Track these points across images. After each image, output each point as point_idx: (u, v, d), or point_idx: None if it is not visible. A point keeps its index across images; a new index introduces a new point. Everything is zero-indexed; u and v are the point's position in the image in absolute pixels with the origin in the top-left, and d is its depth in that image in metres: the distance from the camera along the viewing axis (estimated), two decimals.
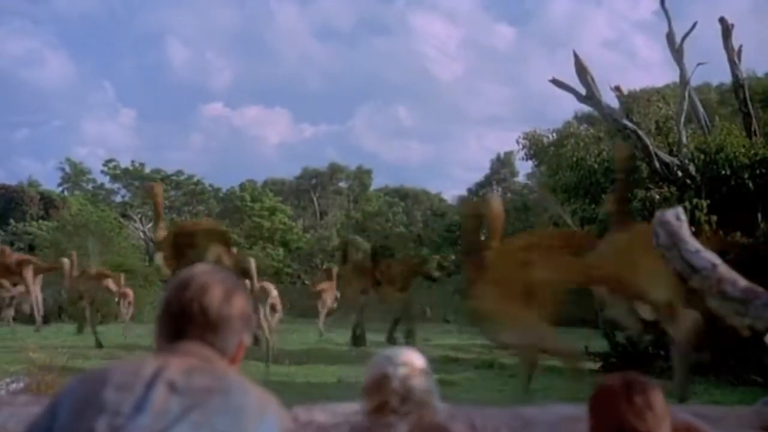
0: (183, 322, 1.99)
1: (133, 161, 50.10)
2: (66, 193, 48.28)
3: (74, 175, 50.34)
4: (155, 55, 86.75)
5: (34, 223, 39.12)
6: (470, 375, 12.61)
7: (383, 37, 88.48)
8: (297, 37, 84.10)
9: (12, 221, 40.35)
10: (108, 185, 50.50)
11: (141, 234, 43.10)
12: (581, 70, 14.18)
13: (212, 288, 2.02)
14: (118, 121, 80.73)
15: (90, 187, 50.62)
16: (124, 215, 43.06)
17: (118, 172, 49.54)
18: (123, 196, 49.95)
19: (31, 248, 32.42)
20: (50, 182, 50.18)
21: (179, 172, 49.94)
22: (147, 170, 49.21)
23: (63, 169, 50.44)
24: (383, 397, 2.71)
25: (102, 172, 50.09)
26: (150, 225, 41.13)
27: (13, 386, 8.90)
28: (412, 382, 2.71)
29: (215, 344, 1.99)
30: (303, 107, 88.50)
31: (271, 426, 1.89)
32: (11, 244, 37.37)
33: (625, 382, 2.41)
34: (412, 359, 2.79)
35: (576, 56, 14.08)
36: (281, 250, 41.19)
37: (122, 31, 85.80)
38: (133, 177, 48.98)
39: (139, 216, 43.67)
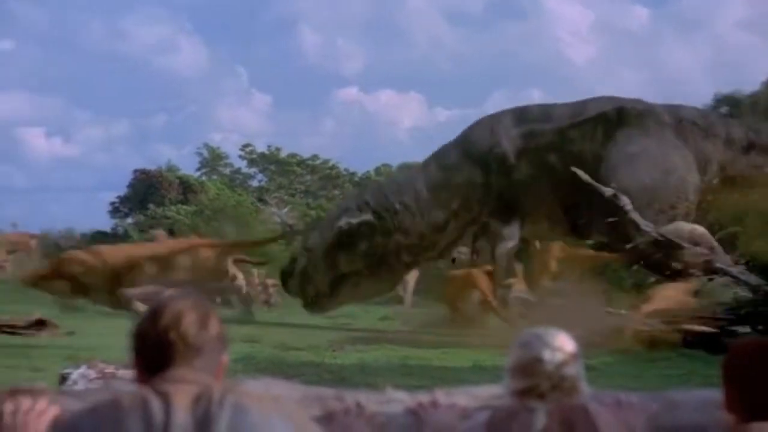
0: (165, 350, 2.01)
1: (269, 146, 50.85)
2: (204, 177, 48.70)
3: (211, 160, 51.03)
4: (288, 41, 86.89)
5: (173, 207, 39.22)
6: (607, 359, 12.18)
7: (515, 20, 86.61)
8: (428, 20, 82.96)
9: (151, 206, 40.49)
10: (245, 170, 51.31)
11: (277, 218, 42.56)
12: None
13: (186, 314, 2.04)
14: (252, 107, 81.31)
15: (227, 171, 51.30)
16: (260, 199, 43.05)
17: (254, 156, 50.38)
18: (259, 181, 50.71)
19: (170, 232, 32.15)
20: (188, 167, 50.37)
21: (315, 157, 50.21)
22: (283, 155, 49.86)
23: (200, 154, 51.24)
24: (533, 380, 2.54)
25: (239, 156, 51.00)
26: (287, 209, 40.86)
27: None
28: (565, 367, 2.55)
29: (203, 367, 2.02)
30: (436, 91, 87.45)
31: (280, 429, 1.95)
32: (151, 228, 36.95)
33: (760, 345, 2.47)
34: (566, 343, 2.61)
35: None
36: None
37: (255, 17, 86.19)
38: (269, 161, 49.91)
39: (276, 200, 43.19)
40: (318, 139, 79.99)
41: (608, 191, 15.43)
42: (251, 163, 50.48)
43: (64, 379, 8.13)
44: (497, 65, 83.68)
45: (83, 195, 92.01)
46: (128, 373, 5.79)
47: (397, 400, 2.67)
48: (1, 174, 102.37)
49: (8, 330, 12.93)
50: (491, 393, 2.91)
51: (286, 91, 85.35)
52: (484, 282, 16.30)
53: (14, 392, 2.34)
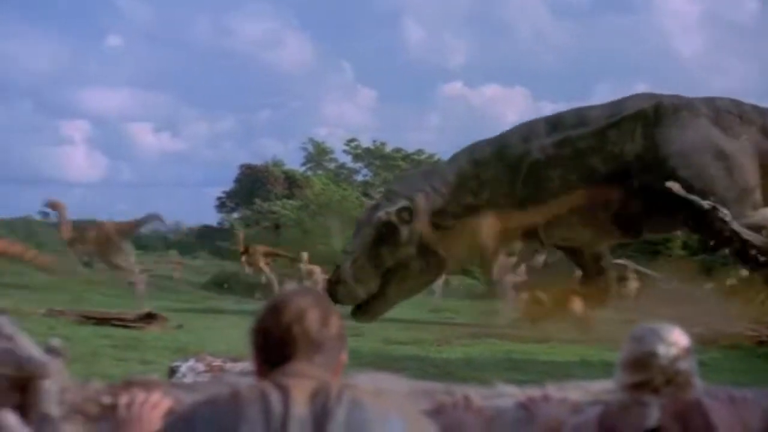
0: (287, 346, 2.06)
1: (374, 141, 50.56)
2: (309, 172, 48.79)
3: (316, 155, 50.93)
4: (392, 36, 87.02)
5: (279, 202, 39.53)
6: (716, 355, 12.10)
7: (621, 13, 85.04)
8: (533, 13, 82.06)
9: (257, 201, 40.67)
10: (349, 164, 51.42)
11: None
12: None
13: (309, 311, 2.09)
14: (357, 102, 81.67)
15: (332, 166, 51.23)
16: (365, 194, 42.84)
17: (359, 151, 50.16)
18: (364, 176, 50.51)
19: (276, 227, 32.48)
20: (293, 162, 50.67)
21: (420, 151, 49.81)
22: (388, 149, 49.65)
23: (305, 149, 51.11)
24: (647, 374, 2.54)
25: (344, 151, 50.72)
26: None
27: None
28: (679, 362, 2.57)
29: (323, 364, 2.05)
30: (541, 85, 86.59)
31: (398, 430, 1.94)
32: (257, 222, 37.44)
33: None
34: (680, 338, 2.62)
35: None
36: None
37: (360, 12, 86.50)
38: (374, 156, 49.70)
39: (381, 195, 43.04)
40: (423, 134, 79.88)
41: (706, 204, 14.92)
42: (356, 158, 50.40)
43: (173, 372, 8.21)
44: (603, 58, 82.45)
45: (190, 190, 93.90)
46: (236, 366, 5.85)
47: (507, 395, 2.64)
48: (110, 169, 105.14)
49: (118, 323, 13.15)
50: (603, 387, 2.89)
51: (391, 86, 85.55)
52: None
53: (128, 384, 2.35)
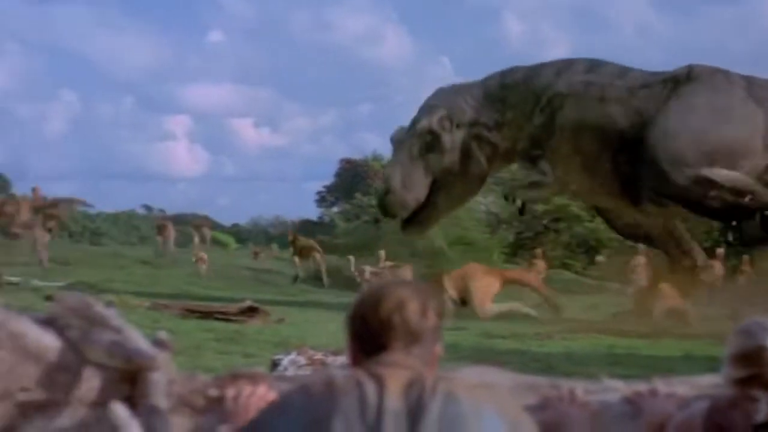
0: (385, 335, 2.03)
1: None
2: None
3: None
4: (492, 29, 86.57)
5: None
6: None
7: (726, 5, 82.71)
8: (634, 6, 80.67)
9: (357, 195, 40.82)
10: None
11: (482, 207, 42.55)
12: None
13: (410, 301, 2.06)
14: None
15: None
16: None
17: None
18: None
19: (375, 221, 32.54)
20: None
21: None
22: None
23: None
24: (757, 369, 2.47)
25: None
26: (492, 198, 40.59)
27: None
28: None
29: (419, 355, 2.04)
30: None
31: (493, 428, 1.90)
32: (357, 217, 37.61)
33: None
34: None
35: None
36: None
37: (459, 6, 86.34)
38: None
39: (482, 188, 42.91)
40: None
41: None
42: None
43: (275, 365, 8.29)
44: (707, 51, 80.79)
45: (291, 184, 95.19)
46: (337, 360, 5.86)
47: (613, 389, 2.58)
48: (212, 164, 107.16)
49: (221, 317, 13.34)
50: (711, 382, 2.82)
51: None
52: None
53: (235, 377, 2.36)
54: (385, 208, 17.56)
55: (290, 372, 7.96)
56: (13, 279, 16.07)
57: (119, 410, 2.15)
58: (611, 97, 16.69)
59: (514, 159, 18.21)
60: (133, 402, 2.18)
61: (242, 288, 21.13)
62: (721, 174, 15.79)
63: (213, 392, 2.31)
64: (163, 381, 2.20)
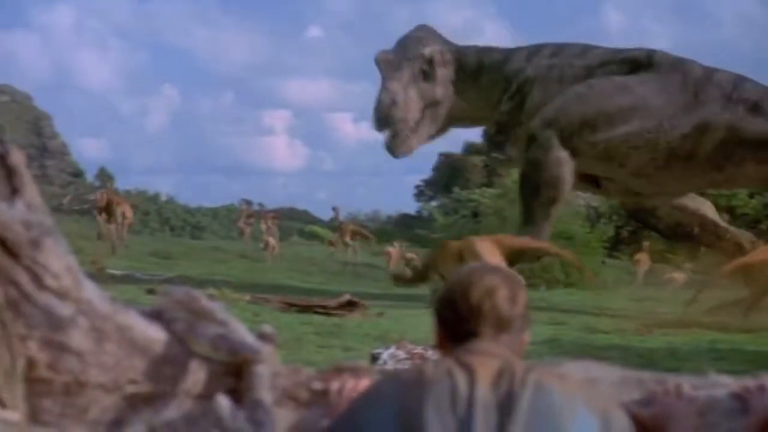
0: (475, 322, 2.04)
1: None
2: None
3: None
4: (592, 22, 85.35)
5: (477, 190, 39.57)
6: None
7: None
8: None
9: (456, 189, 40.69)
10: None
11: (582, 201, 42.09)
12: None
13: (499, 288, 2.06)
14: None
15: None
16: None
17: None
18: None
19: (474, 215, 32.46)
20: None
21: None
22: None
23: None
24: None
25: None
26: (590, 192, 40.14)
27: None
28: None
29: (508, 343, 2.03)
30: (746, 71, 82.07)
31: (585, 421, 1.86)
32: (455, 211, 37.56)
33: None
34: None
35: None
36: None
37: (559, 0, 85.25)
38: None
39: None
40: None
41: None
42: None
43: (374, 359, 8.33)
44: None
45: (389, 179, 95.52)
46: (436, 354, 5.85)
47: (721, 384, 2.49)
48: (311, 158, 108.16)
49: (321, 311, 13.44)
50: None
51: None
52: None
53: (339, 370, 2.37)
54: (386, 120, 17.65)
55: (390, 366, 8.00)
56: (116, 272, 16.45)
57: (223, 403, 2.17)
58: (569, 77, 16.71)
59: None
60: (237, 395, 2.20)
61: (341, 282, 21.30)
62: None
63: (317, 385, 2.31)
64: (268, 374, 2.20)
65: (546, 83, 16.65)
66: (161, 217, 45.02)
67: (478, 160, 45.94)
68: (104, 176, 60.86)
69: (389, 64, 17.65)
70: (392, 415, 1.89)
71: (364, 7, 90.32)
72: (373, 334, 11.08)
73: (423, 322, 11.92)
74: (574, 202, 36.16)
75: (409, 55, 17.38)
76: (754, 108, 16.09)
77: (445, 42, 18.03)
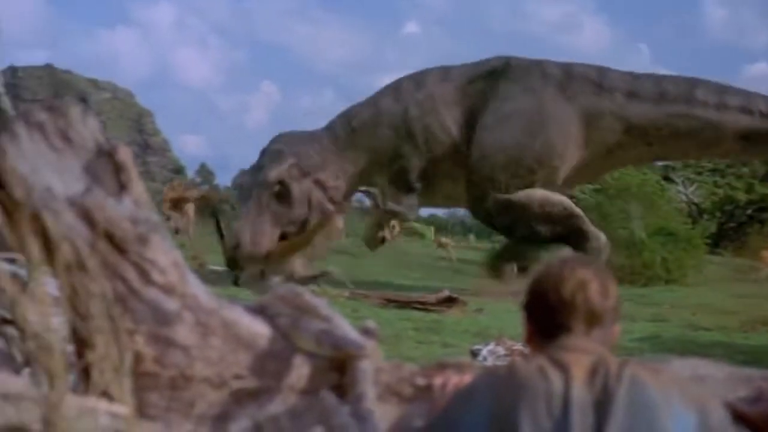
0: (566, 317, 2.00)
1: None
2: None
3: None
4: (692, 17, 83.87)
5: (577, 185, 38.91)
6: None
7: None
8: None
9: None
10: None
11: (684, 197, 41.42)
12: None
13: (591, 282, 2.02)
14: None
15: None
16: (666, 178, 41.44)
17: None
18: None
19: None
20: None
21: None
22: None
23: None
24: None
25: None
26: (693, 187, 39.43)
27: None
28: None
29: (600, 338, 2.00)
30: None
31: (682, 416, 1.81)
32: None
33: None
34: None
35: None
36: None
37: None
38: None
39: (682, 179, 41.85)
40: None
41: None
42: None
43: (473, 355, 8.31)
44: None
45: None
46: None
47: None
48: None
49: (420, 307, 13.44)
50: None
51: (691, 67, 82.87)
52: None
53: (442, 366, 2.36)
54: (234, 263, 16.35)
55: (489, 362, 7.98)
56: (217, 268, 16.67)
57: (327, 398, 2.17)
58: (449, 102, 16.75)
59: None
60: (341, 390, 2.20)
61: (440, 278, 21.27)
62: (533, 196, 16.31)
63: (420, 381, 2.30)
64: (371, 369, 2.20)
65: (429, 115, 16.65)
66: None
67: None
68: (205, 172, 61.98)
69: (242, 190, 16.81)
70: (486, 416, 1.88)
71: (461, 2, 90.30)
72: (472, 330, 11.05)
73: (521, 318, 11.82)
74: (676, 198, 35.57)
75: (259, 178, 16.34)
76: (630, 93, 16.59)
77: (307, 140, 17.06)
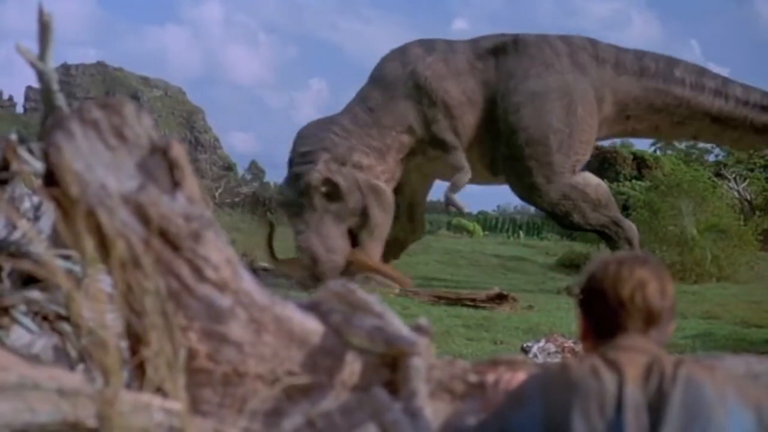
0: (624, 316, 1.99)
1: None
2: (658, 152, 48.08)
3: None
4: (742, 11, 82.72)
5: (627, 183, 38.85)
6: None
7: None
8: None
9: (606, 181, 39.89)
10: (701, 145, 49.18)
11: (735, 194, 40.90)
12: None
13: (650, 281, 2.01)
14: None
15: (683, 146, 50.15)
16: (717, 174, 40.94)
17: None
18: (716, 155, 48.93)
19: (624, 208, 31.92)
20: (642, 143, 49.47)
21: None
22: None
23: None
24: None
25: None
26: (745, 184, 38.90)
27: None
28: None
29: (656, 337, 1.99)
30: None
31: (739, 415, 1.80)
32: None
33: None
34: None
35: None
36: None
37: None
38: None
39: (734, 175, 41.27)
40: None
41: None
42: None
43: (524, 352, 8.27)
44: None
45: None
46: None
47: None
48: None
49: (470, 303, 13.40)
50: None
51: (743, 63, 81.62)
52: None
53: (495, 363, 2.35)
54: (317, 280, 14.72)
55: (540, 359, 7.93)
56: (266, 265, 16.68)
57: (380, 394, 2.16)
58: (462, 69, 16.42)
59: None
60: (393, 387, 2.19)
61: (490, 275, 21.21)
62: (590, 181, 16.32)
63: (473, 378, 2.29)
64: (424, 366, 2.19)
65: (452, 78, 16.36)
66: None
67: (627, 152, 45.11)
68: (256, 170, 62.39)
69: (290, 207, 16.00)
70: (538, 416, 1.87)
71: None
72: (523, 327, 10.98)
73: (573, 315, 11.72)
74: (728, 194, 35.12)
75: (303, 187, 15.58)
76: (617, 65, 16.60)
77: (325, 127, 16.47)
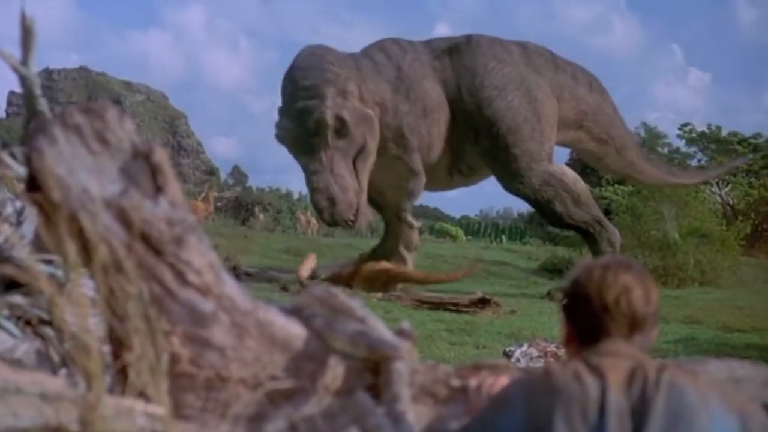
0: (608, 321, 1.99)
1: (709, 124, 50.04)
2: None
3: (649, 140, 50.60)
4: (724, 16, 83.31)
5: (610, 188, 38.98)
6: None
7: None
8: None
9: (588, 186, 39.99)
10: (684, 149, 50.49)
11: (718, 198, 41.15)
12: None
13: (635, 287, 2.01)
14: (688, 85, 79.15)
15: (665, 150, 50.55)
16: None
17: (693, 135, 49.75)
18: (699, 160, 49.30)
19: (607, 212, 31.97)
20: None
21: (757, 135, 48.32)
22: (724, 133, 48.85)
23: (638, 134, 50.57)
24: None
25: (677, 136, 50.78)
26: (728, 188, 39.12)
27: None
28: None
29: (639, 343, 1.99)
30: None
31: (722, 420, 1.80)
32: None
33: None
34: None
35: None
36: None
37: None
38: (708, 140, 48.95)
39: (716, 180, 41.49)
40: (759, 116, 76.33)
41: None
42: (690, 142, 49.70)
43: (507, 356, 8.27)
44: None
45: None
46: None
47: None
48: None
49: (452, 308, 13.38)
50: None
51: (724, 68, 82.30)
52: None
53: (477, 368, 2.36)
54: (335, 221, 15.48)
55: (523, 364, 7.94)
56: (250, 269, 16.69)
57: (362, 398, 2.17)
58: (427, 71, 16.28)
59: None
60: (376, 391, 2.19)
61: (473, 279, 21.21)
62: (567, 171, 16.34)
63: (455, 382, 2.30)
64: (406, 371, 2.19)
65: (423, 78, 16.22)
66: (293, 215, 45.66)
67: None
68: (238, 174, 62.24)
69: (295, 142, 15.61)
70: (521, 421, 1.87)
71: (491, 3, 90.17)
72: (505, 332, 10.97)
73: (555, 319, 11.73)
74: (710, 198, 35.23)
75: (312, 122, 15.11)
76: (575, 77, 16.78)
77: (324, 58, 15.86)
